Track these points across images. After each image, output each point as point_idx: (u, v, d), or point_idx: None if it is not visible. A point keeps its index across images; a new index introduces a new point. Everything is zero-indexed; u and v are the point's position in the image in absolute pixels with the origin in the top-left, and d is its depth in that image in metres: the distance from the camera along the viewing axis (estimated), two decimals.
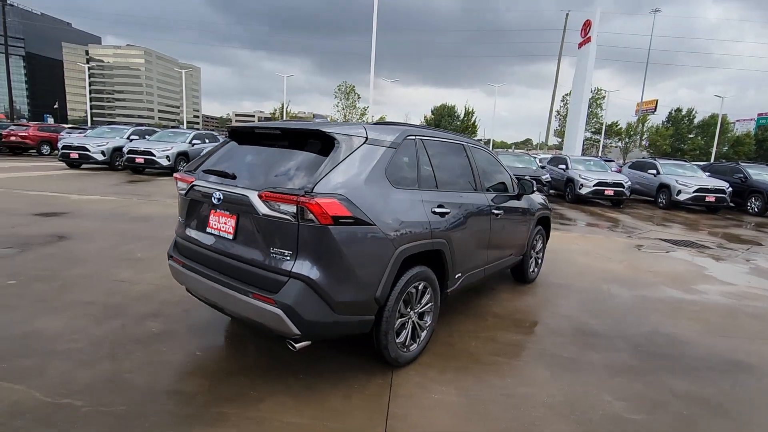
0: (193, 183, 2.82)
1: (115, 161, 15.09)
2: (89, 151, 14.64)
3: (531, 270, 5.01)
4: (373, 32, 17.64)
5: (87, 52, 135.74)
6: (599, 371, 3.06)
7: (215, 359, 2.89)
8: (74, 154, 14.46)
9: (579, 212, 12.06)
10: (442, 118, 52.33)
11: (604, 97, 47.68)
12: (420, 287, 2.93)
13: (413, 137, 3.07)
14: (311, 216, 2.25)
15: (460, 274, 3.38)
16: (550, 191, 15.45)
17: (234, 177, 2.64)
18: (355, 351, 3.05)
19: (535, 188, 4.44)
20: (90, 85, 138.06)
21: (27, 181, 11.20)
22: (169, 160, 14.12)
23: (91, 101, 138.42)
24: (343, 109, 55.12)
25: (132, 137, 16.03)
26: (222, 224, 2.63)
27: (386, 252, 2.53)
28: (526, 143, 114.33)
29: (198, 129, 19.56)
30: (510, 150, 60.89)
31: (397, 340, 2.81)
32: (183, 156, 14.72)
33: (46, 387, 2.42)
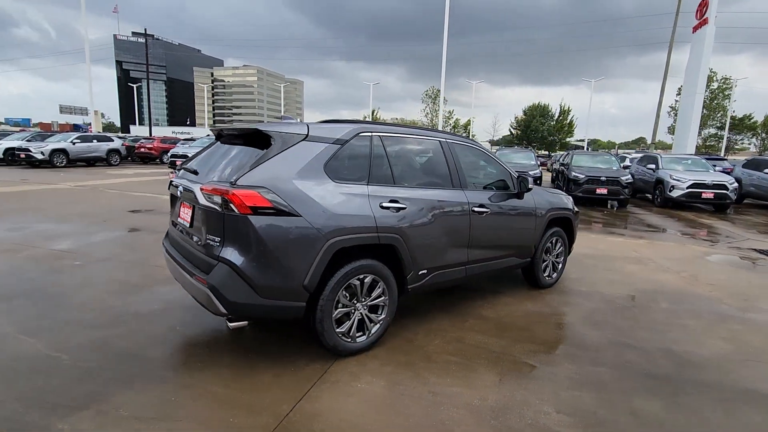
0: (172, 179, 3.26)
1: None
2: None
3: (546, 275, 4.68)
4: (444, 35, 17.58)
5: (212, 74, 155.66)
6: (558, 383, 2.81)
7: (189, 333, 3.29)
8: (179, 161, 16.86)
9: (664, 218, 10.65)
10: (534, 118, 49.61)
11: (732, 86, 40.94)
12: (367, 280, 3.00)
13: (368, 134, 3.15)
14: (233, 206, 2.50)
15: (425, 271, 3.35)
16: (635, 195, 13.88)
17: (196, 173, 3.01)
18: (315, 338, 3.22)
19: (530, 185, 4.16)
20: (213, 102, 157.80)
21: (138, 184, 13.34)
22: None
23: (213, 116, 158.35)
24: (429, 113, 55.29)
25: None
26: (185, 214, 3.01)
27: (313, 243, 2.66)
28: (638, 142, 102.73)
29: None
30: (589, 150, 55.47)
31: (338, 330, 2.91)
32: None
33: (49, 343, 3.01)
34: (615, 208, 12.03)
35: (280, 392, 2.55)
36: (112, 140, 21.33)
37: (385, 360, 2.99)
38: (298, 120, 3.64)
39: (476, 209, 3.70)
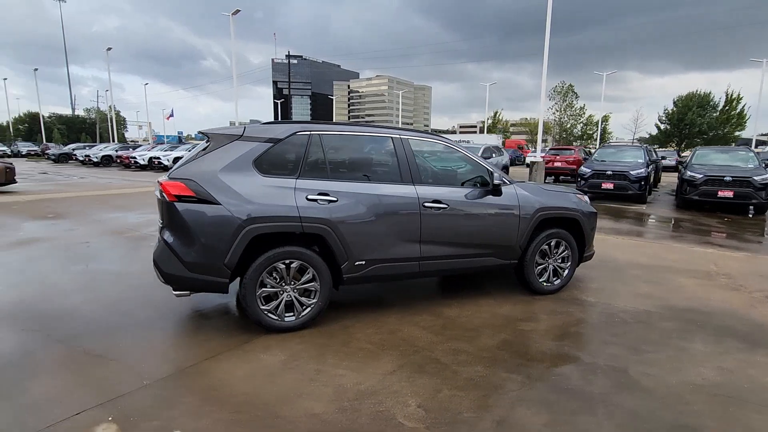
0: None
1: None
2: None
3: (543, 280, 4.30)
4: (546, 31, 16.31)
5: (348, 86, 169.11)
6: (448, 382, 2.71)
7: (198, 304, 3.98)
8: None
9: None
10: (689, 110, 41.91)
11: None
12: (294, 265, 3.30)
13: (305, 133, 3.45)
14: (164, 195, 3.08)
15: (363, 263, 3.50)
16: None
17: (167, 169, 3.70)
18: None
19: (496, 181, 3.89)
20: (349, 112, 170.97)
21: None
22: None
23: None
24: (558, 111, 51.18)
25: None
26: None
27: (231, 227, 3.08)
28: None
29: (486, 143, 18.42)
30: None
31: (264, 307, 3.27)
32: None
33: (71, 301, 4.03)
34: (752, 215, 9.82)
35: (198, 351, 3.04)
36: None
37: (305, 339, 3.26)
38: (294, 122, 3.92)
39: (429, 204, 3.67)
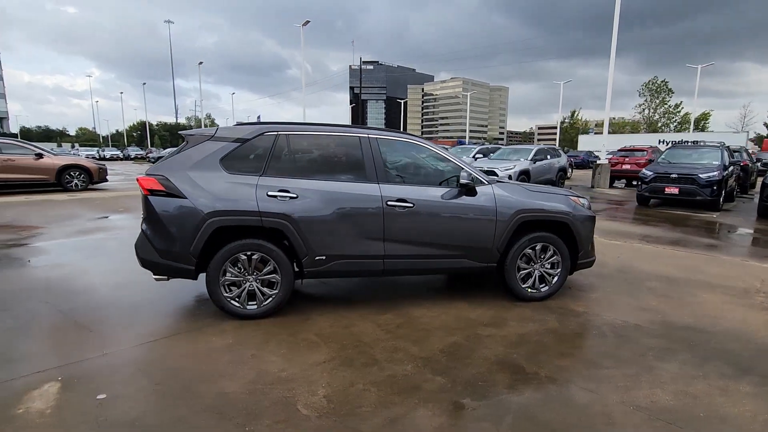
0: None
1: None
2: None
3: (527, 286, 4.08)
4: (615, 15, 15.05)
5: (422, 89, 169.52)
6: (367, 377, 2.73)
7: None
8: None
9: None
10: None
11: None
12: (255, 257, 3.52)
13: (272, 133, 3.66)
14: (141, 189, 3.46)
15: (324, 258, 3.62)
16: None
17: None
18: None
19: (462, 181, 3.75)
20: (422, 116, 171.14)
21: None
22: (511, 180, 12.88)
23: (422, 128, 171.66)
24: (647, 109, 46.74)
25: (477, 156, 16.31)
26: None
27: (195, 220, 3.37)
28: None
29: (539, 144, 18.16)
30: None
31: (227, 294, 3.53)
32: (524, 175, 12.67)
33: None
34: None
35: (163, 329, 3.39)
36: None
37: (260, 327, 3.45)
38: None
39: (393, 203, 3.68)
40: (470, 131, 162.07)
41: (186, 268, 3.48)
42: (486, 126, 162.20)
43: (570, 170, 20.04)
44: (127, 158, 48.85)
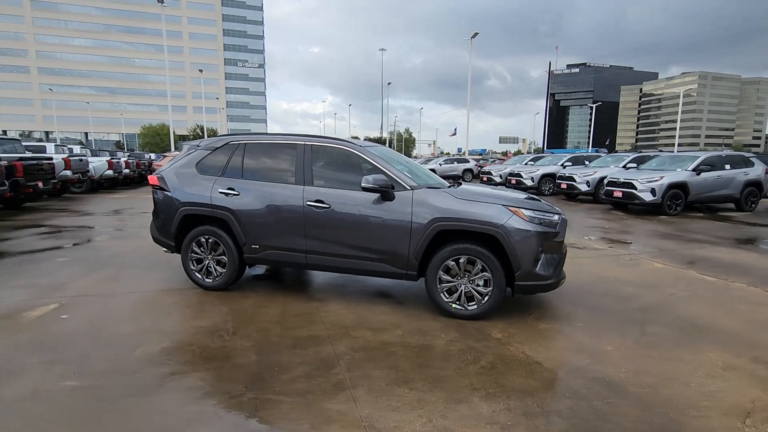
0: None
1: (542, 187, 15.84)
2: (521, 177, 17.31)
3: (451, 301, 3.80)
4: None
5: (640, 90, 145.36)
6: (213, 350, 3.25)
7: None
8: (484, 178, 19.15)
9: None
10: None
11: None
12: (210, 240, 4.43)
13: (235, 143, 4.49)
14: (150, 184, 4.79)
15: (257, 246, 4.25)
16: None
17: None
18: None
19: (364, 184, 3.70)
20: (639, 120, 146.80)
21: None
22: (654, 195, 10.38)
23: (636, 134, 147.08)
24: None
25: (629, 165, 13.37)
26: None
27: (173, 208, 4.47)
28: None
29: (718, 151, 14.14)
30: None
31: (193, 268, 4.52)
32: (678, 189, 10.49)
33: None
34: None
35: (139, 288, 4.61)
36: (468, 161, 26.47)
37: (204, 296, 4.32)
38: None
39: (312, 204, 4.03)
40: (707, 136, 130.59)
41: (170, 244, 4.65)
42: (733, 129, 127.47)
43: None
44: None
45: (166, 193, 4.56)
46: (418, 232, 3.77)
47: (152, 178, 4.72)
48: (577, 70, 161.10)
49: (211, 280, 4.49)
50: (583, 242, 7.32)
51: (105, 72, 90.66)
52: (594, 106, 55.70)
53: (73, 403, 2.46)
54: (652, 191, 10.40)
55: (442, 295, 3.81)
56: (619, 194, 11.04)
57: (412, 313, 3.91)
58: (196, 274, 4.53)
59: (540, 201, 4.08)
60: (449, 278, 3.79)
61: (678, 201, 10.56)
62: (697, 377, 2.81)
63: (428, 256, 3.82)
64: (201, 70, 58.20)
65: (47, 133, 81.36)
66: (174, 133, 40.03)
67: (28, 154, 11.40)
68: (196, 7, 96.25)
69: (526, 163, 18.15)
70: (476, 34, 29.75)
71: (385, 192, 3.85)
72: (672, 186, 10.44)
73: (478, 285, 3.74)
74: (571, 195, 14.11)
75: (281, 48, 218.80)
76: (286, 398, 2.53)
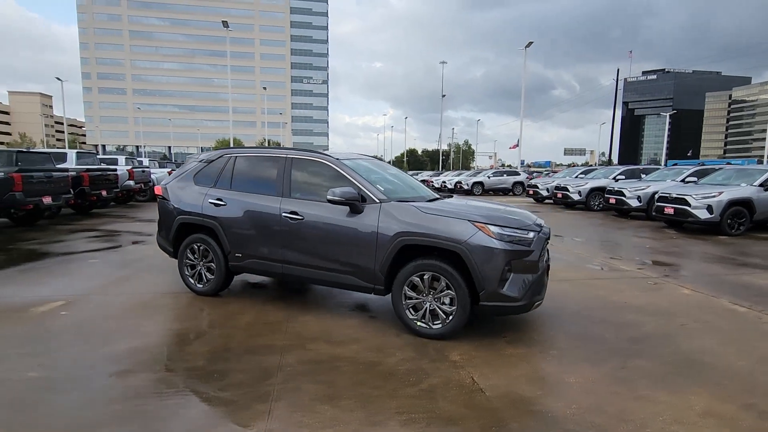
0: None
1: (590, 202, 14.96)
2: (568, 191, 15.78)
3: (416, 318, 3.67)
4: None
5: (730, 96, 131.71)
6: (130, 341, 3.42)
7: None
8: (530, 191, 18.28)
9: None
10: None
11: None
12: (201, 248, 4.66)
13: (229, 156, 4.73)
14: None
15: (240, 255, 4.41)
16: None
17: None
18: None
19: (330, 197, 3.68)
20: (727, 129, 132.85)
21: None
22: (710, 213, 9.42)
23: (725, 144, 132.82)
24: None
25: (688, 180, 12.38)
26: None
27: (173, 216, 4.78)
28: None
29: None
30: None
31: (187, 273, 4.77)
32: (741, 207, 9.45)
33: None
34: None
35: (162, 285, 4.95)
36: (519, 174, 25.50)
37: (191, 302, 4.54)
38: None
39: (286, 215, 4.12)
40: None
41: (170, 250, 4.96)
42: None
43: None
44: None
45: (167, 202, 4.90)
46: (383, 246, 3.70)
47: (158, 189, 5.09)
48: (654, 76, 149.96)
49: (201, 286, 4.72)
50: (610, 262, 6.73)
51: (187, 91, 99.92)
52: (671, 114, 51.06)
53: (24, 391, 2.70)
54: (708, 208, 9.32)
55: (407, 311, 3.70)
56: (671, 211, 10.01)
57: (379, 329, 3.83)
58: (190, 279, 4.78)
59: (520, 217, 3.83)
60: (415, 295, 3.67)
61: (742, 220, 9.36)
62: (659, 422, 2.46)
63: (395, 271, 3.74)
64: (265, 88, 62.15)
65: (137, 147, 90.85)
66: (243, 146, 42.89)
67: (95, 166, 12.79)
68: (269, 30, 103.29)
69: (576, 176, 17.10)
70: (531, 43, 28.79)
71: (353, 205, 3.83)
72: (733, 203, 9.29)
73: (443, 303, 3.58)
74: (622, 211, 13.03)
75: (345, 64, 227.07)
76: (206, 405, 2.58)
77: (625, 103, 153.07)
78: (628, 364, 3.20)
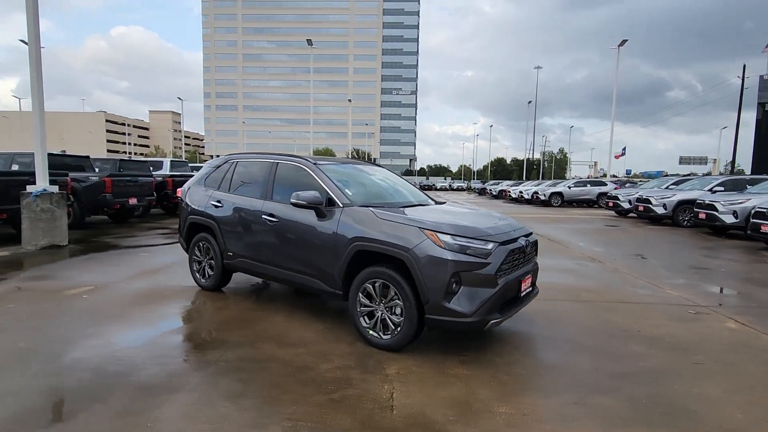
0: None
1: (678, 216, 13.27)
2: (650, 204, 15.21)
3: (369, 326, 3.55)
4: None
5: None
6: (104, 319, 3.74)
7: None
8: (609, 203, 16.38)
9: None
10: None
11: None
12: (205, 246, 5.04)
13: (233, 161, 5.06)
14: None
15: (232, 254, 4.68)
16: None
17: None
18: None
19: (293, 200, 3.70)
20: None
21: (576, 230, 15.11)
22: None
23: None
24: None
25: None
26: None
27: (185, 216, 5.24)
28: None
29: None
30: None
31: (194, 269, 5.18)
32: None
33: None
34: None
35: (148, 283, 5.46)
36: (605, 185, 23.15)
37: (189, 296, 4.92)
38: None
39: (265, 217, 4.28)
40: None
41: (185, 246, 5.44)
42: None
43: None
44: (469, 189, 57.76)
45: (183, 203, 5.39)
46: (341, 250, 3.65)
47: (179, 191, 5.63)
48: None
49: (205, 281, 5.09)
50: (658, 286, 5.78)
51: (287, 106, 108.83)
52: None
53: (5, 359, 3.17)
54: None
55: (362, 319, 3.59)
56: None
57: (338, 336, 3.77)
58: (196, 274, 5.19)
59: (486, 226, 3.50)
60: (368, 303, 3.55)
61: None
62: None
63: (352, 277, 3.66)
64: (350, 100, 64.92)
65: None
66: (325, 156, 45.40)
67: (180, 172, 14.52)
68: (362, 45, 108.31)
69: (667, 187, 15.00)
70: (624, 41, 26.06)
71: (316, 208, 3.85)
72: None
73: (394, 313, 3.41)
74: (716, 228, 11.08)
75: (435, 74, 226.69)
76: (119, 393, 2.76)
77: (761, 104, 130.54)
78: (585, 400, 2.74)
